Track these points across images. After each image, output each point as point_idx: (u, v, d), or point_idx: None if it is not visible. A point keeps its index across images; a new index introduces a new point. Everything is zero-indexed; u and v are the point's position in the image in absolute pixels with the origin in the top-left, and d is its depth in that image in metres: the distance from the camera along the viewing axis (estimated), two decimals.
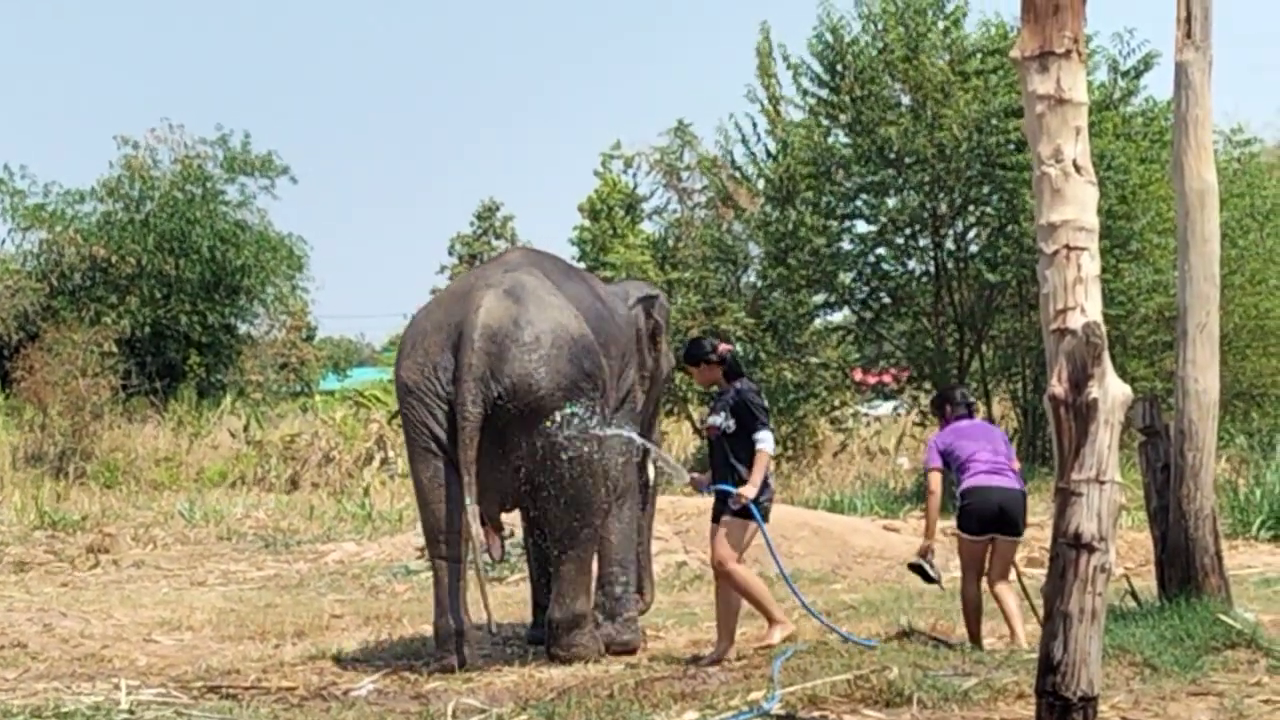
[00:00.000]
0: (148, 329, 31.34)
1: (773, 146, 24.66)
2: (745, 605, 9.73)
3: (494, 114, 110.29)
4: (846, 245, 24.12)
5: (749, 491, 9.20)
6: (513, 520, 12.27)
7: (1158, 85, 24.39)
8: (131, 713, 7.90)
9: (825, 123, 23.72)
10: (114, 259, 31.17)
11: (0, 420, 26.39)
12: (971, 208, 23.32)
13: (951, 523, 11.96)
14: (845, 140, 23.56)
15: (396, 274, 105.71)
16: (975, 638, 9.51)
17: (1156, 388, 20.02)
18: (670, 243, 29.48)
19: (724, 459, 9.40)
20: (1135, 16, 46.61)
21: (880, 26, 22.84)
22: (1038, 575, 12.54)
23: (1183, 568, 9.44)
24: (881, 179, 23.09)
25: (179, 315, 31.70)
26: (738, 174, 25.67)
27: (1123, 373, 8.37)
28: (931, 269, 23.69)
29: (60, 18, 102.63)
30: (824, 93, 23.48)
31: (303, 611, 12.38)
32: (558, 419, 9.56)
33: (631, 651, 9.97)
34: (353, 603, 13.12)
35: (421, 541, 12.97)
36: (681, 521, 15.32)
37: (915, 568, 9.87)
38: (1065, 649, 5.82)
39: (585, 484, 9.69)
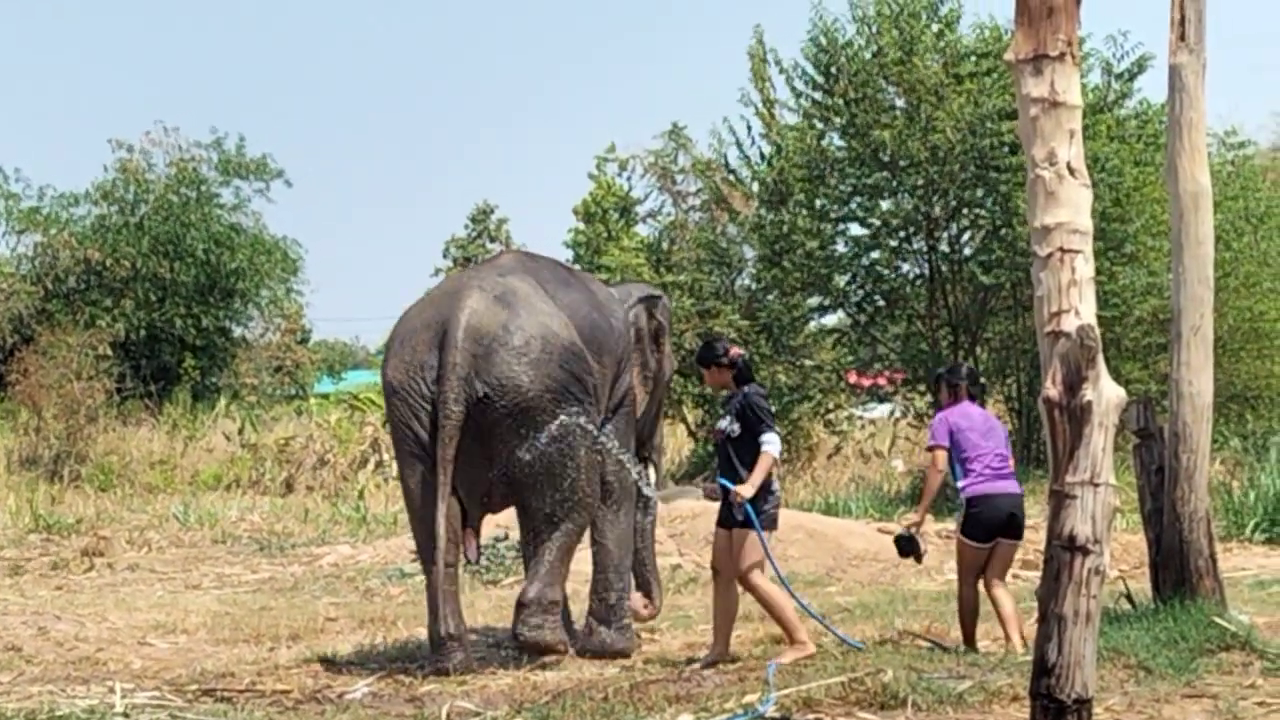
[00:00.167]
0: (142, 332, 31.32)
1: (767, 149, 24.69)
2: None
3: (488, 117, 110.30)
4: (841, 248, 24.13)
5: (746, 491, 9.17)
6: (510, 522, 12.29)
7: (1151, 88, 24.47)
8: (126, 716, 7.90)
9: (819, 126, 23.72)
10: (109, 262, 31.14)
11: None
12: (965, 210, 23.33)
13: (946, 525, 11.96)
14: (839, 143, 23.57)
15: (391, 277, 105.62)
16: (970, 639, 9.50)
17: (1151, 390, 20.01)
18: (664, 245, 29.51)
19: (728, 463, 9.39)
20: (1129, 19, 46.65)
21: (874, 30, 22.84)
22: (1032, 578, 12.58)
23: (1177, 570, 9.45)
24: (876, 182, 23.10)
25: (174, 318, 31.68)
26: (732, 177, 25.69)
27: (1117, 375, 8.38)
28: (926, 272, 23.69)
29: (55, 20, 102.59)
30: (818, 95, 23.49)
31: (297, 614, 12.38)
32: (556, 429, 9.55)
33: (626, 657, 9.96)
34: (347, 606, 13.12)
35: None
36: (676, 524, 15.32)
37: (905, 540, 9.64)
38: (1060, 651, 5.82)
39: (568, 476, 9.63)
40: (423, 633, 10.11)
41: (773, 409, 9.47)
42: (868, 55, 22.86)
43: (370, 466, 25.08)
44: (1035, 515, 12.67)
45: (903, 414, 26.95)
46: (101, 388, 26.47)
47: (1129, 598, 9.80)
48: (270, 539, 18.15)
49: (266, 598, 13.85)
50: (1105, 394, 5.90)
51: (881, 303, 24.16)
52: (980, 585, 9.50)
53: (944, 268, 23.49)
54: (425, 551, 9.76)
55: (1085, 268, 6.03)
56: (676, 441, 27.11)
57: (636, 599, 10.62)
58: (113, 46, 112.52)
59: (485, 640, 10.62)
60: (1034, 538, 13.36)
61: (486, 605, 12.47)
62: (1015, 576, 13.90)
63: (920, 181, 22.68)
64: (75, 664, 10.09)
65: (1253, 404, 23.68)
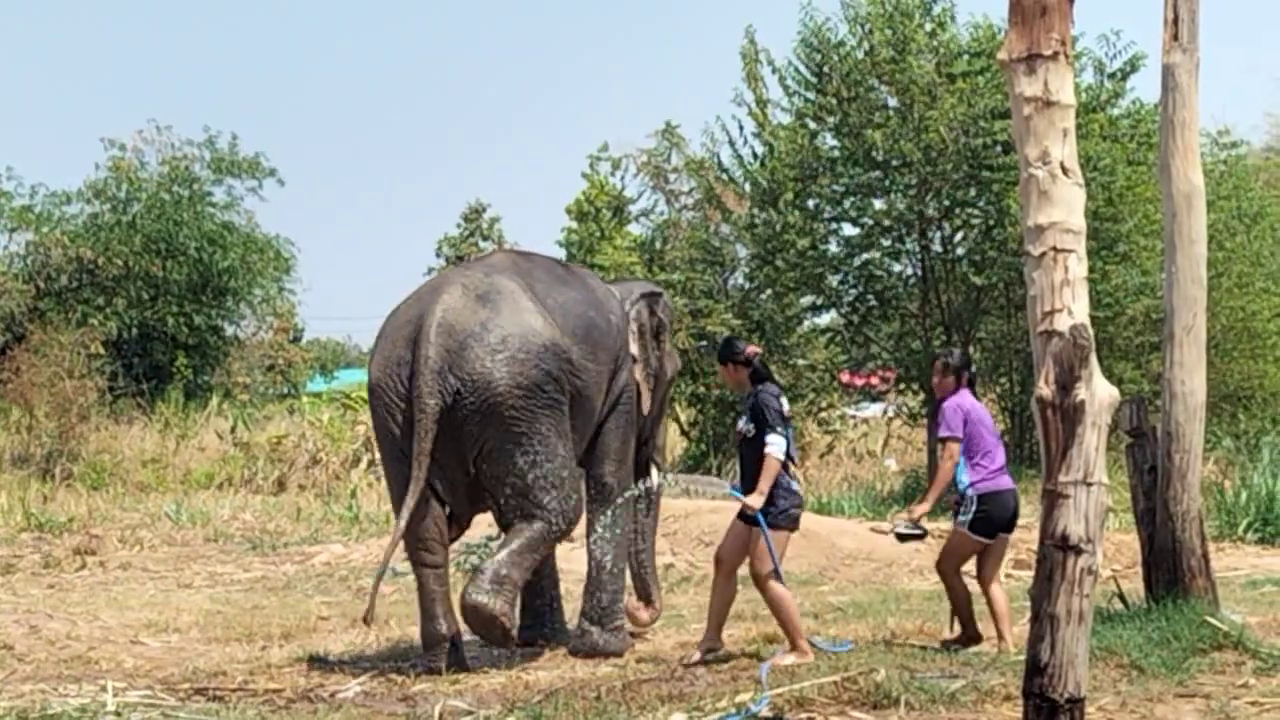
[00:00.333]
0: (135, 331, 31.28)
1: (760, 149, 24.67)
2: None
3: (481, 115, 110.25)
4: (834, 248, 24.13)
5: (755, 501, 9.16)
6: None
7: (1144, 87, 24.45)
8: (118, 714, 7.89)
9: (812, 125, 23.71)
10: (101, 260, 31.09)
11: None
12: (958, 210, 23.31)
13: (939, 524, 11.95)
14: (832, 143, 23.56)
15: (383, 276, 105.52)
16: (972, 620, 9.54)
17: (1144, 390, 20.03)
18: (658, 244, 29.51)
19: (747, 463, 9.38)
20: (1121, 18, 46.68)
21: (866, 29, 22.83)
22: (1025, 577, 12.58)
23: (1170, 570, 9.46)
24: (868, 181, 23.09)
25: (166, 317, 31.63)
26: (725, 176, 25.68)
27: (1110, 375, 8.37)
28: (919, 271, 23.69)
29: (47, 18, 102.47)
30: (810, 95, 23.47)
31: (290, 613, 12.37)
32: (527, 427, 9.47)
33: (618, 658, 9.94)
34: (340, 604, 13.10)
35: None
36: (668, 524, 15.31)
37: (908, 535, 9.66)
38: (1052, 651, 5.82)
39: (539, 478, 9.53)
40: (415, 632, 10.10)
41: (784, 410, 9.34)
42: (860, 54, 22.84)
43: (362, 465, 25.05)
44: (1028, 515, 12.66)
45: (895, 413, 26.99)
46: (94, 386, 26.43)
47: (1122, 597, 9.81)
48: (262, 538, 18.13)
49: (259, 596, 13.84)
50: (1098, 393, 5.90)
51: (874, 302, 24.15)
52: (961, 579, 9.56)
53: (937, 267, 23.48)
54: (410, 549, 9.76)
55: (1078, 267, 6.03)
56: (670, 440, 27.09)
57: (634, 603, 10.60)
58: (105, 45, 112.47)
59: (478, 640, 10.61)
60: (1027, 537, 13.40)
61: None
62: (1008, 576, 13.94)
63: (913, 181, 22.67)
64: (67, 662, 10.07)
65: (1245, 404, 23.72)
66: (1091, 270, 6.73)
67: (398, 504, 9.76)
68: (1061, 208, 6.07)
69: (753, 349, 9.63)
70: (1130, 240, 22.23)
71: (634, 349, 10.59)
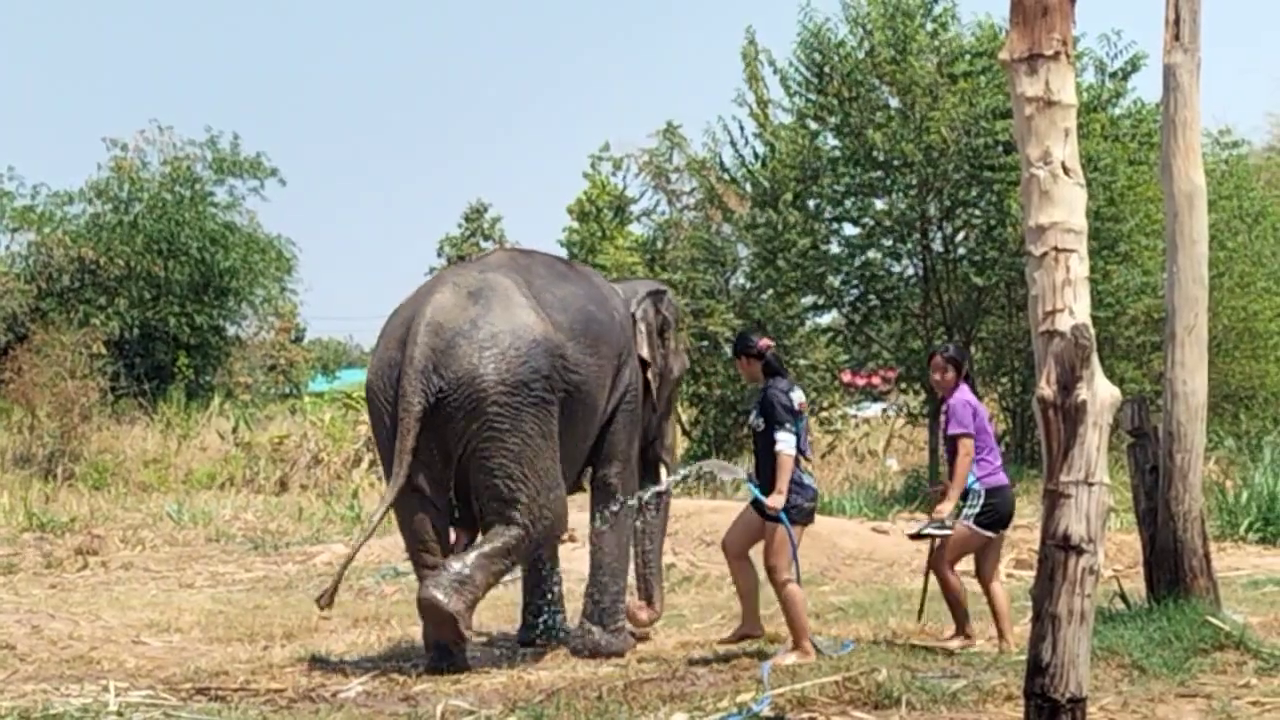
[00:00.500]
0: (136, 330, 31.28)
1: (761, 149, 24.68)
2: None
3: (483, 115, 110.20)
4: (835, 248, 24.13)
5: (776, 502, 9.15)
6: None
7: (1146, 87, 24.46)
8: (120, 714, 7.89)
9: (813, 125, 23.71)
10: (102, 260, 31.10)
11: None
12: (959, 210, 23.32)
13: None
14: (833, 143, 23.56)
15: (385, 276, 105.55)
16: (967, 617, 9.55)
17: (1145, 389, 20.03)
18: (659, 244, 29.52)
19: (760, 457, 9.38)
20: (1122, 18, 46.66)
21: (867, 29, 22.82)
22: (1026, 577, 12.58)
23: (1171, 570, 9.46)
24: (869, 181, 23.09)
25: (167, 317, 31.63)
26: (726, 176, 25.69)
27: (1111, 374, 8.36)
28: (920, 271, 23.69)
29: (48, 18, 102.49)
30: (811, 95, 23.46)
31: (291, 613, 12.36)
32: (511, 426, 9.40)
33: (619, 658, 9.93)
34: (341, 604, 13.03)
35: None
36: (670, 523, 15.28)
37: (936, 535, 9.57)
38: (1054, 651, 5.82)
39: (515, 479, 9.42)
40: (416, 631, 10.10)
41: (792, 404, 9.31)
42: (860, 55, 22.84)
43: (364, 465, 25.05)
44: (1030, 514, 12.66)
45: (897, 413, 26.99)
46: (95, 386, 26.43)
47: (1123, 597, 9.80)
48: (264, 537, 18.12)
49: (260, 596, 13.84)
50: (1099, 393, 5.90)
51: (875, 302, 24.15)
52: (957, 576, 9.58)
53: (938, 267, 23.48)
54: (410, 550, 9.76)
55: (1080, 267, 6.03)
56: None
57: (634, 602, 10.59)
58: (107, 45, 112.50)
59: (479, 639, 10.62)
60: (1029, 537, 13.40)
61: (480, 604, 12.44)
62: (1010, 575, 13.94)
63: (914, 181, 22.68)
64: (69, 662, 10.07)
65: (1247, 403, 23.73)
66: (1093, 270, 6.74)
67: (397, 504, 9.77)
68: (1063, 207, 6.07)
69: (765, 342, 9.59)
70: (1131, 240, 22.24)
71: (643, 349, 10.54)
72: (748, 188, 24.71)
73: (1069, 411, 5.87)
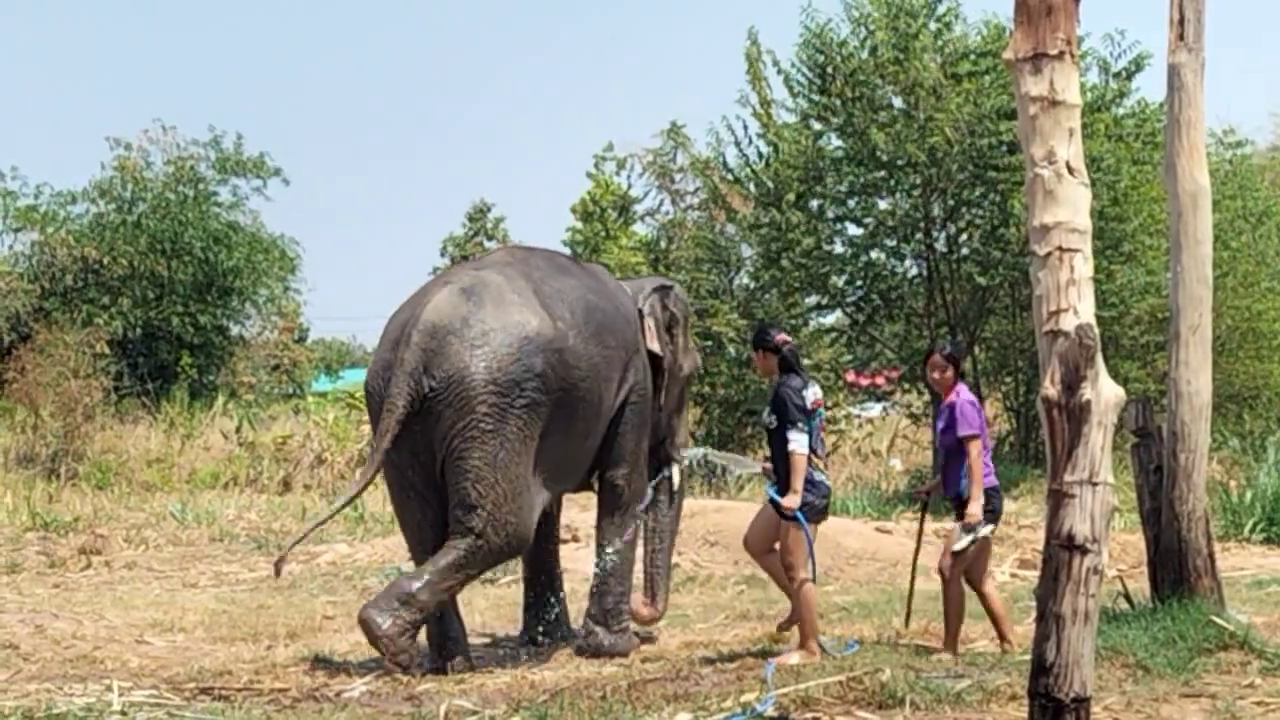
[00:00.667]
0: (139, 330, 31.30)
1: (764, 149, 24.70)
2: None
3: (486, 115, 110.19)
4: (838, 248, 24.13)
5: (791, 501, 9.15)
6: None
7: (1150, 87, 24.47)
8: (124, 714, 7.88)
9: (816, 126, 23.71)
10: (106, 260, 31.11)
11: None
12: (963, 210, 23.32)
13: (944, 524, 11.95)
14: (837, 143, 23.56)
15: (389, 276, 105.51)
16: (958, 632, 9.50)
17: (1149, 389, 20.04)
18: (663, 244, 29.58)
19: (775, 453, 9.38)
20: (1126, 18, 46.66)
21: (870, 29, 22.81)
22: (1030, 577, 12.58)
23: (1175, 569, 9.45)
24: (873, 182, 23.09)
25: (171, 316, 31.65)
26: (730, 176, 25.71)
27: (1115, 374, 8.35)
28: (923, 271, 23.69)
29: (52, 17, 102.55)
30: (814, 96, 23.45)
31: (295, 613, 12.37)
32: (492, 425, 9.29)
33: (623, 658, 9.92)
34: (345, 604, 13.09)
35: None
36: None
37: (975, 540, 9.37)
38: (1058, 650, 5.82)
39: (483, 484, 9.23)
40: (420, 632, 10.09)
41: (804, 403, 9.28)
42: (864, 55, 22.84)
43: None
44: (1034, 515, 12.65)
45: (899, 412, 26.99)
46: (99, 386, 26.43)
47: (1127, 597, 9.80)
48: (268, 537, 18.12)
49: (264, 596, 13.83)
50: (1104, 393, 5.90)
51: (879, 302, 24.15)
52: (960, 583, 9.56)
53: (941, 267, 23.48)
54: (411, 550, 9.75)
55: (1084, 267, 6.02)
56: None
57: (638, 599, 10.58)
58: (110, 44, 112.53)
59: (483, 639, 10.61)
60: (1033, 537, 13.39)
61: (484, 604, 12.47)
62: (1013, 576, 13.96)
63: (918, 181, 22.68)
64: (72, 662, 10.07)
65: (1251, 403, 23.73)
66: (1097, 270, 6.74)
67: (397, 505, 9.77)
68: (1067, 207, 6.06)
69: (783, 338, 9.53)
70: (1135, 240, 22.25)
71: (652, 343, 10.46)
72: (751, 188, 24.72)
73: (1073, 411, 5.87)
